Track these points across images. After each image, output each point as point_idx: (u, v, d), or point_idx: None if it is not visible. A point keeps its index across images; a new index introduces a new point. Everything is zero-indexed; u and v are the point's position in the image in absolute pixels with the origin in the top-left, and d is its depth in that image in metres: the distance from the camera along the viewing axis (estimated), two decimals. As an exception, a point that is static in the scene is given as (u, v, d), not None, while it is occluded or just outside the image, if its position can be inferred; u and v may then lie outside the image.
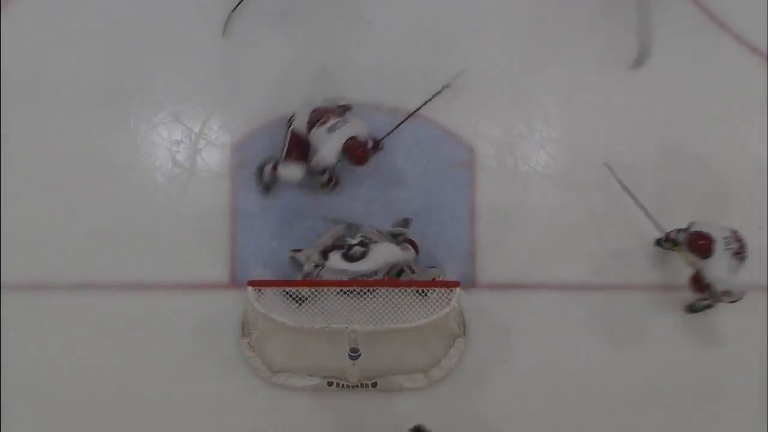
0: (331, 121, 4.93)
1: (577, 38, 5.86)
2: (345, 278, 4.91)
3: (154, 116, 5.69)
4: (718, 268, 4.84)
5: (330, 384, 5.32)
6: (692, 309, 5.43)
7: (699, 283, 5.01)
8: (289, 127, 5.12)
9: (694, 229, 4.96)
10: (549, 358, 5.42)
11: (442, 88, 5.42)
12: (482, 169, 5.62)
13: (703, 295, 5.12)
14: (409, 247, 5.17)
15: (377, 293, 4.95)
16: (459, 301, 5.06)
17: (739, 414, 5.40)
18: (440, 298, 4.99)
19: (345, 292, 4.91)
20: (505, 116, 5.77)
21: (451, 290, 4.91)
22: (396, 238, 5.27)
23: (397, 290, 4.99)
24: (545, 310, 5.48)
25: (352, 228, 5.32)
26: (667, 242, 5.28)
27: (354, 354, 5.08)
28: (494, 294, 5.43)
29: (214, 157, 5.64)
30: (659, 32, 5.86)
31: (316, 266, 5.06)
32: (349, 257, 4.93)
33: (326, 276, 4.97)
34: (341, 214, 5.48)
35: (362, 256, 4.91)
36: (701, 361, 5.45)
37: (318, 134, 4.93)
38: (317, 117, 5.00)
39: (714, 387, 5.43)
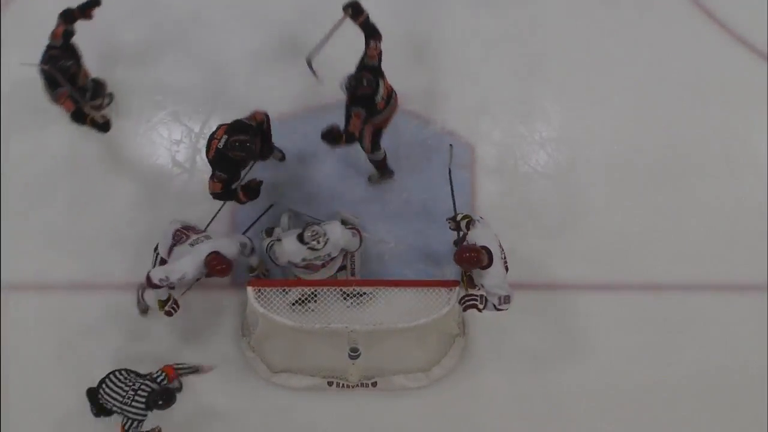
0: (192, 237, 4.89)
1: (577, 38, 5.87)
2: (298, 260, 4.84)
3: (154, 116, 5.70)
4: (497, 277, 4.61)
5: (330, 384, 5.32)
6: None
7: (471, 286, 4.79)
8: (156, 256, 5.00)
9: (471, 238, 4.67)
10: (548, 358, 5.42)
11: (450, 146, 5.39)
12: (482, 169, 5.62)
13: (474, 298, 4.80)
14: (357, 233, 5.05)
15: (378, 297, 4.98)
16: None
17: (740, 413, 5.40)
18: (440, 298, 5.00)
19: (346, 295, 4.91)
20: (505, 116, 5.77)
21: (451, 290, 4.90)
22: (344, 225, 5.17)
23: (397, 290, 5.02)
24: (545, 310, 5.48)
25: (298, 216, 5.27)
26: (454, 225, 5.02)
27: (354, 354, 5.08)
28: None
29: (214, 157, 5.64)
30: (660, 32, 5.87)
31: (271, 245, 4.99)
32: (311, 248, 4.79)
33: (280, 258, 4.89)
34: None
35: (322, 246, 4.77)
36: (701, 361, 5.45)
37: (180, 250, 4.85)
38: (178, 237, 4.93)
39: (714, 387, 5.42)
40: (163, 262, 4.93)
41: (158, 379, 4.71)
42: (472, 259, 4.56)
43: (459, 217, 4.89)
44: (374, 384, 5.31)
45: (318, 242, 4.75)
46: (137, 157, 5.65)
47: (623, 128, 5.76)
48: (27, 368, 5.30)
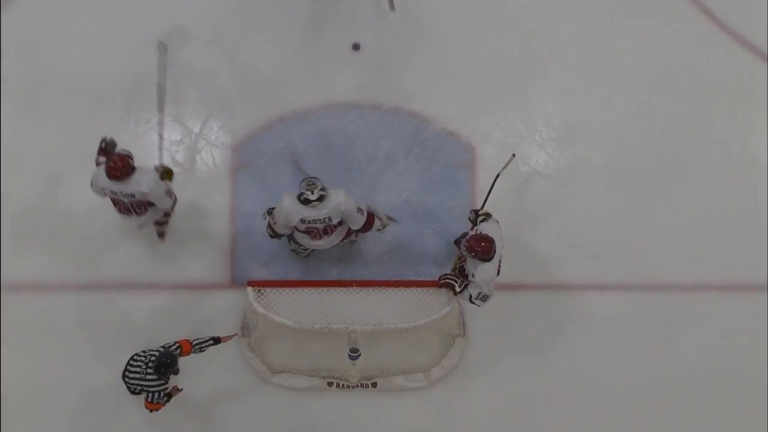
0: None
1: (577, 38, 5.86)
2: (297, 221, 4.74)
3: (154, 116, 5.69)
4: (490, 273, 4.69)
5: (330, 384, 5.33)
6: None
7: (461, 276, 4.87)
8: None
9: (481, 229, 4.75)
10: (549, 358, 5.43)
11: (512, 156, 5.43)
12: (482, 169, 5.62)
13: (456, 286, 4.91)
14: (363, 210, 4.91)
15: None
16: (459, 301, 5.06)
17: (740, 413, 5.41)
18: (440, 298, 5.01)
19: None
20: (505, 116, 5.77)
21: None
22: None
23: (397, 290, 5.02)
24: (545, 310, 5.48)
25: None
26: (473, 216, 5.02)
27: (354, 354, 5.09)
28: (494, 294, 5.43)
29: (214, 157, 5.64)
30: (659, 32, 5.87)
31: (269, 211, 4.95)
32: (305, 201, 4.69)
33: (278, 217, 4.78)
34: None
35: (319, 200, 4.67)
36: (701, 361, 5.46)
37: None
38: None
39: (714, 386, 5.43)
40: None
41: (170, 348, 4.69)
42: (485, 248, 4.59)
43: (481, 211, 4.94)
44: (374, 384, 5.31)
45: (312, 192, 4.63)
46: (137, 158, 5.63)
47: (623, 128, 5.75)
48: (26, 368, 5.30)
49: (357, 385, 5.32)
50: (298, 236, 4.95)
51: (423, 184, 5.61)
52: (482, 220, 4.82)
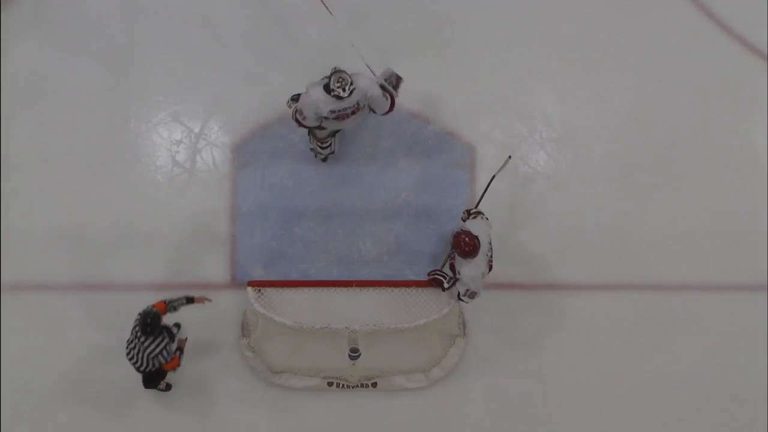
0: None
1: (577, 38, 5.87)
2: (326, 112, 4.72)
3: (154, 116, 5.70)
4: (477, 269, 4.70)
5: (330, 384, 5.32)
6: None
7: (451, 273, 4.88)
8: None
9: (466, 226, 4.74)
10: (548, 358, 5.42)
11: (508, 158, 5.41)
12: (482, 169, 5.62)
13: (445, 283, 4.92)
14: (390, 98, 4.91)
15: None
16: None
17: (740, 413, 5.40)
18: (440, 298, 5.00)
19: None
20: (505, 116, 5.77)
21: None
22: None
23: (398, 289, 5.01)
24: (546, 310, 5.48)
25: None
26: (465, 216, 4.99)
27: (354, 354, 5.09)
28: (494, 294, 5.42)
29: (214, 157, 5.64)
30: (659, 32, 5.87)
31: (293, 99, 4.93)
32: (337, 98, 4.65)
33: (307, 111, 4.76)
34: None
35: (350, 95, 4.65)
36: (701, 361, 5.45)
37: None
38: None
39: (713, 387, 5.43)
40: None
41: (146, 309, 4.67)
42: (468, 244, 4.62)
43: (473, 210, 4.94)
44: (374, 384, 5.31)
45: (344, 90, 4.60)
46: (137, 158, 5.65)
47: (623, 128, 5.76)
48: (26, 369, 5.30)
49: (357, 385, 5.31)
50: (325, 122, 4.88)
51: (423, 184, 5.61)
52: (472, 218, 4.84)
